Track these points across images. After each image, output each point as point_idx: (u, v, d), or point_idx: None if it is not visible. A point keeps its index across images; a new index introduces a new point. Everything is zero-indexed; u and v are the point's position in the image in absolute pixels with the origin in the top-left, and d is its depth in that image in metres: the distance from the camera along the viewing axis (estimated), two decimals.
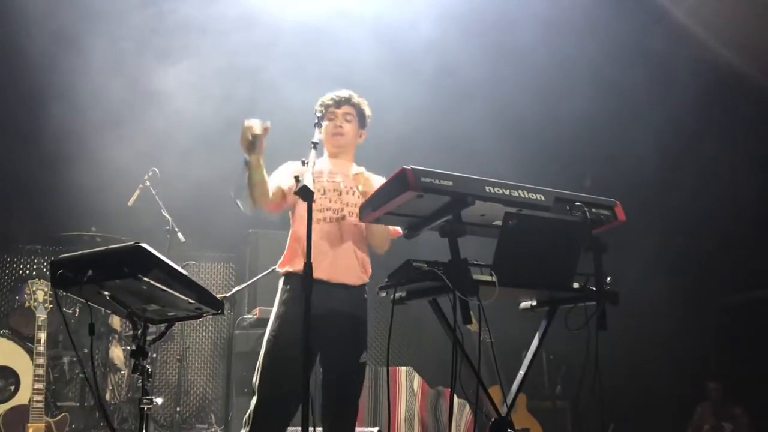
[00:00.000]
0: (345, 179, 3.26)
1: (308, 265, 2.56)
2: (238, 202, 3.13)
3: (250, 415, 2.98)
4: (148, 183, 5.52)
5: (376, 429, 4.70)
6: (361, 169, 3.22)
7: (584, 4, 5.57)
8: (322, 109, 3.29)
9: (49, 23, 5.21)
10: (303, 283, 2.52)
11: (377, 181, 3.13)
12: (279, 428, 2.99)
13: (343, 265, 3.12)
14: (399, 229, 3.03)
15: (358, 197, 3.16)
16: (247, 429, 2.96)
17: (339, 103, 3.29)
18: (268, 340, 3.05)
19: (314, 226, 2.92)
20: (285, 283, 3.17)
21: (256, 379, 3.02)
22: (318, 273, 2.84)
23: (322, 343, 3.04)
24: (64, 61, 5.35)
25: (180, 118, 5.65)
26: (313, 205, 2.87)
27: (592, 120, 5.88)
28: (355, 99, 3.34)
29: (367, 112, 3.39)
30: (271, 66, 5.59)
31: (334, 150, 3.34)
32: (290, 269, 3.15)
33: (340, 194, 3.21)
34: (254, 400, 3.00)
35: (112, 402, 5.36)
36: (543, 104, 5.92)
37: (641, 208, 5.03)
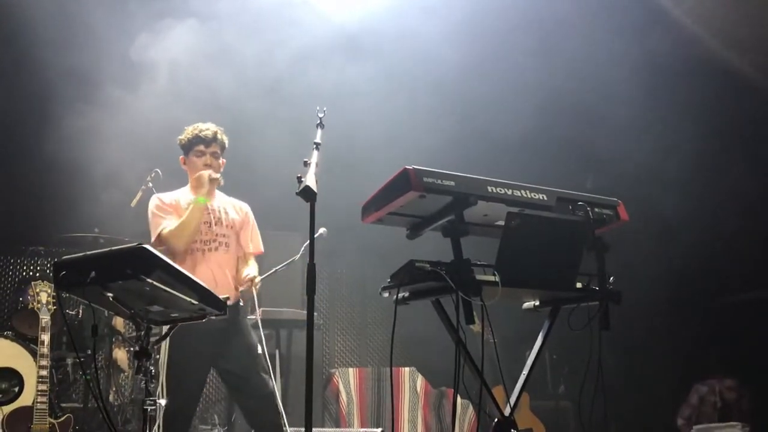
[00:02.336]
0: (213, 211, 3.59)
1: (311, 267, 2.63)
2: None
3: (158, 426, 3.29)
4: (150, 184, 5.52)
5: (380, 429, 4.70)
6: (245, 206, 3.73)
7: (585, 6, 5.56)
8: (187, 142, 3.62)
9: (50, 26, 5.22)
10: (307, 281, 2.63)
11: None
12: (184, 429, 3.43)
13: (219, 289, 3.41)
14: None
15: (227, 227, 3.59)
16: None
17: (208, 142, 3.59)
18: (168, 370, 3.36)
19: (188, 258, 3.47)
20: None
21: (161, 395, 3.36)
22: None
23: (220, 356, 3.45)
24: (67, 62, 5.35)
25: (182, 119, 5.64)
26: None
27: (595, 120, 5.87)
28: (220, 135, 3.64)
29: (227, 143, 3.69)
30: (278, 66, 5.59)
31: None
32: None
33: (210, 225, 3.54)
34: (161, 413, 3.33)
35: (116, 403, 5.37)
36: (545, 103, 5.92)
37: (645, 208, 5.03)
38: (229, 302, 3.37)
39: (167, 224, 3.45)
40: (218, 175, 3.55)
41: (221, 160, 3.66)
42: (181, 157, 3.70)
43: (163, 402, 6.07)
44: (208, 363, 3.48)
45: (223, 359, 3.47)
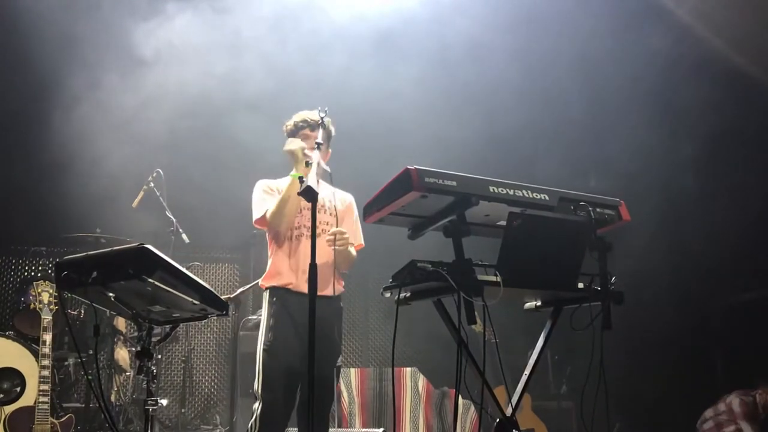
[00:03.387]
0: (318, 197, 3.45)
1: (313, 266, 2.69)
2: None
3: (256, 419, 3.22)
4: (152, 184, 5.53)
5: (381, 430, 4.70)
6: (349, 197, 3.64)
7: (588, 6, 5.56)
8: (293, 126, 3.55)
9: (50, 28, 5.22)
10: (309, 281, 2.72)
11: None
12: (281, 429, 3.27)
13: (322, 278, 3.25)
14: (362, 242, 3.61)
15: (330, 215, 3.50)
16: None
17: (313, 126, 3.49)
18: (265, 351, 3.31)
19: (293, 242, 3.42)
20: (271, 296, 3.42)
21: (258, 387, 3.28)
22: (296, 286, 3.35)
23: (305, 350, 3.19)
24: (67, 64, 5.36)
25: (184, 120, 5.65)
26: (291, 223, 3.39)
27: (596, 120, 5.87)
28: (326, 122, 3.51)
29: (333, 132, 3.61)
30: (281, 69, 5.57)
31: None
32: (275, 284, 3.43)
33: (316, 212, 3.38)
34: (258, 405, 3.25)
35: (118, 403, 5.38)
36: (546, 104, 5.92)
37: (647, 208, 5.03)
38: (326, 293, 3.31)
39: (270, 205, 3.41)
40: (309, 152, 3.33)
41: (328, 150, 3.57)
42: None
43: (164, 402, 6.09)
44: (301, 358, 3.25)
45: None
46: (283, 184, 3.51)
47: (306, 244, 3.39)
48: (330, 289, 3.34)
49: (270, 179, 3.58)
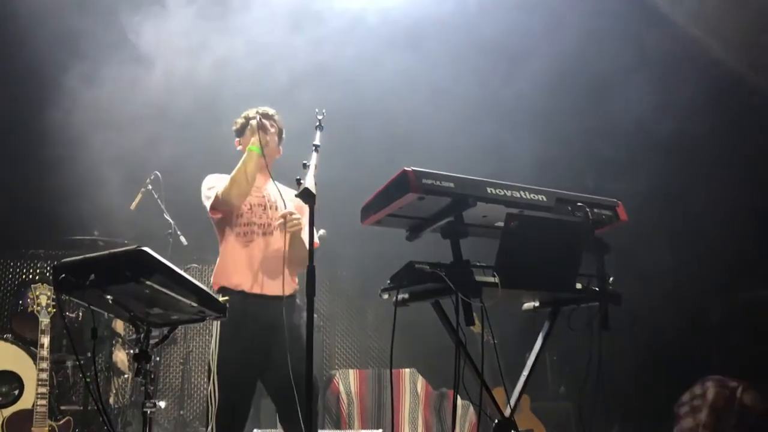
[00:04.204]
0: (267, 194, 3.44)
1: (311, 269, 2.65)
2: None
3: (212, 429, 3.17)
4: (150, 186, 5.52)
5: (380, 431, 4.70)
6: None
7: (585, 6, 5.56)
8: (243, 121, 3.51)
9: (49, 26, 5.20)
10: (307, 284, 2.63)
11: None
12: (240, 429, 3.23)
13: (273, 277, 3.26)
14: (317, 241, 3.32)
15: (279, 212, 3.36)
16: None
17: (263, 116, 3.45)
18: (218, 365, 3.21)
19: (241, 240, 3.31)
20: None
21: (213, 397, 3.18)
22: (249, 287, 3.23)
23: (266, 355, 3.22)
24: (65, 64, 5.35)
25: (181, 121, 5.64)
26: (240, 219, 3.32)
27: (594, 121, 5.87)
28: (277, 117, 3.53)
29: (284, 132, 3.58)
30: (279, 71, 5.56)
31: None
32: (225, 285, 3.30)
33: (265, 209, 3.40)
34: (213, 412, 3.18)
35: (116, 406, 5.37)
36: (545, 105, 5.92)
37: (644, 209, 5.03)
38: (278, 292, 3.19)
39: (221, 185, 3.30)
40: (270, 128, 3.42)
41: (279, 148, 3.54)
42: (236, 140, 3.56)
43: (162, 404, 6.07)
44: (259, 362, 3.24)
45: (272, 359, 3.23)
46: None
47: (258, 242, 3.32)
48: (282, 288, 3.22)
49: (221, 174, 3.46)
